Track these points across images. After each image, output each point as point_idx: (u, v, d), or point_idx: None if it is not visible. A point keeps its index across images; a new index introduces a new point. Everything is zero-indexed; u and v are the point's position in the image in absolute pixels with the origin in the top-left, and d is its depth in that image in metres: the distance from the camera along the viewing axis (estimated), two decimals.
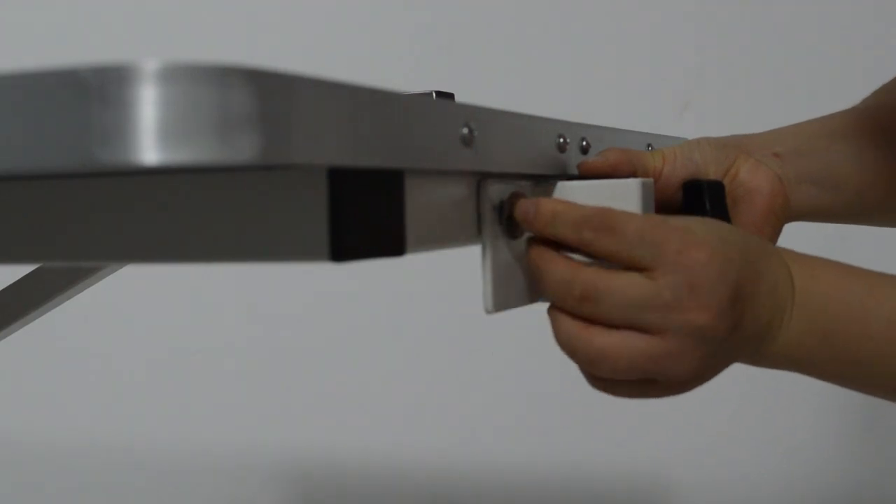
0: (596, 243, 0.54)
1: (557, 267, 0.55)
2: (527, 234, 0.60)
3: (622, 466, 1.47)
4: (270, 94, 0.36)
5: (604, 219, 0.54)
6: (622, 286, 0.53)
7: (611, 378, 0.56)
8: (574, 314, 0.55)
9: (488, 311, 0.58)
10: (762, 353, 0.57)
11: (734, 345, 0.55)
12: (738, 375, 1.41)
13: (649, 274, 0.53)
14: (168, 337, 1.62)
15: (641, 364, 0.54)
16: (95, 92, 0.34)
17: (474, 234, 0.57)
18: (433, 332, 1.52)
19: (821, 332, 0.56)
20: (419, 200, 0.51)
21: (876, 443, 1.41)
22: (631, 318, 0.53)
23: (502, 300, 0.59)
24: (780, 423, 1.43)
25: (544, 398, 1.49)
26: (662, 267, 0.53)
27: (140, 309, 1.62)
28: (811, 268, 0.57)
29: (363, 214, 0.45)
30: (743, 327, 0.54)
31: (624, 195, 0.60)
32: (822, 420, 1.42)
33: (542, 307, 0.65)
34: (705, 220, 0.57)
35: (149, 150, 0.34)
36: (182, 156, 0.34)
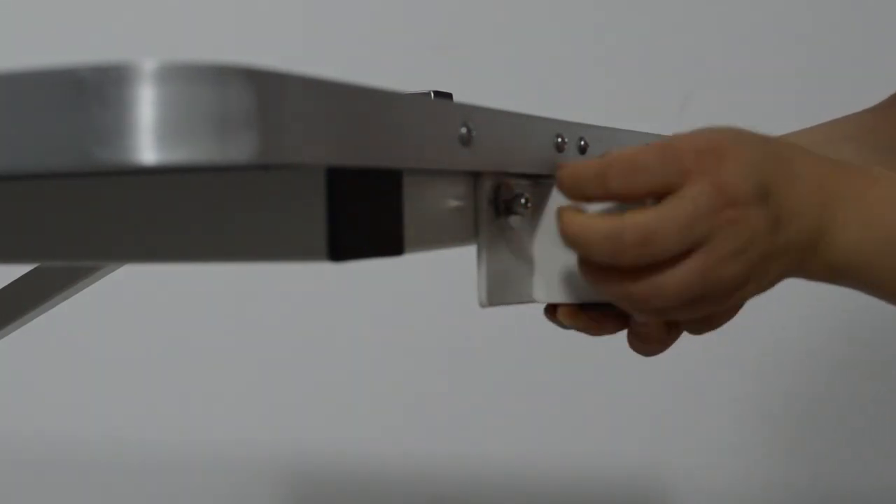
0: (625, 189, 0.54)
1: (599, 225, 0.55)
2: (526, 226, 0.61)
3: (622, 466, 1.48)
4: (268, 93, 0.36)
5: (623, 164, 0.54)
6: (666, 217, 0.53)
7: (667, 308, 0.56)
8: (630, 268, 0.54)
9: (482, 305, 0.59)
10: (819, 259, 0.56)
11: (782, 247, 0.55)
12: (739, 377, 1.41)
13: (679, 193, 0.53)
14: (168, 336, 1.62)
15: (697, 282, 0.54)
16: (94, 91, 0.34)
17: (473, 233, 0.57)
18: (433, 332, 1.52)
19: (882, 235, 0.56)
20: (417, 200, 0.51)
21: (876, 441, 1.41)
22: (685, 241, 0.53)
23: (497, 294, 0.59)
24: (780, 423, 1.43)
25: (544, 398, 1.49)
26: (689, 180, 0.53)
27: (139, 309, 1.62)
28: (863, 171, 0.57)
29: (361, 214, 0.45)
30: (785, 227, 0.55)
31: None
32: (823, 419, 1.42)
33: (539, 307, 0.65)
34: (718, 127, 0.57)
35: (147, 150, 0.34)
36: (180, 155, 0.34)
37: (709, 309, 0.57)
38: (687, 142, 0.54)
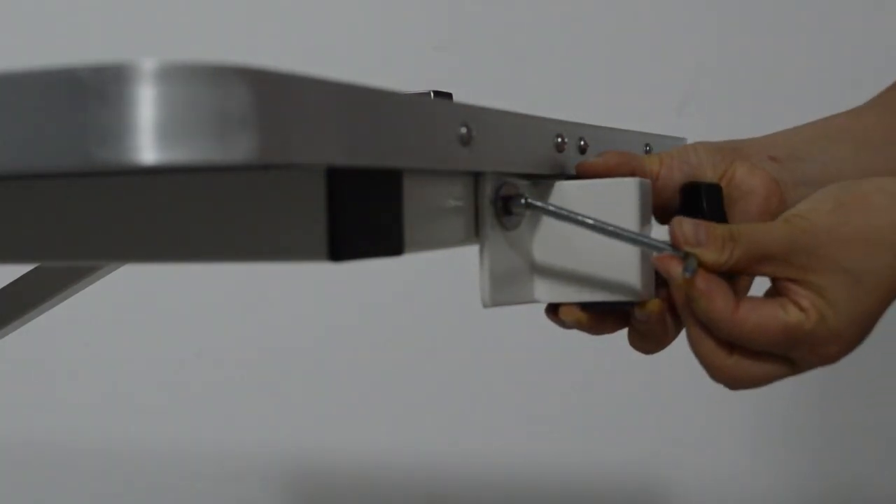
0: (745, 270, 0.58)
1: (717, 307, 0.57)
2: (526, 226, 0.61)
3: (623, 466, 1.48)
4: (268, 93, 0.36)
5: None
6: (773, 324, 0.57)
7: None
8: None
9: (485, 305, 0.59)
10: None
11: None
12: None
13: (801, 301, 0.57)
14: (167, 336, 1.62)
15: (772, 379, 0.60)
16: (94, 91, 0.34)
17: (473, 233, 0.57)
18: (433, 332, 1.52)
19: None
20: (417, 200, 0.51)
21: (875, 440, 1.41)
22: (782, 350, 0.58)
23: (499, 295, 0.59)
24: (780, 422, 1.43)
25: (545, 398, 1.49)
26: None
27: (139, 309, 1.62)
28: None
29: (361, 214, 0.45)
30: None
31: (622, 194, 0.61)
32: (823, 419, 1.42)
33: (538, 307, 0.65)
34: (842, 291, 0.58)
35: (147, 150, 0.34)
36: (180, 155, 0.34)
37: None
38: (813, 329, 0.57)
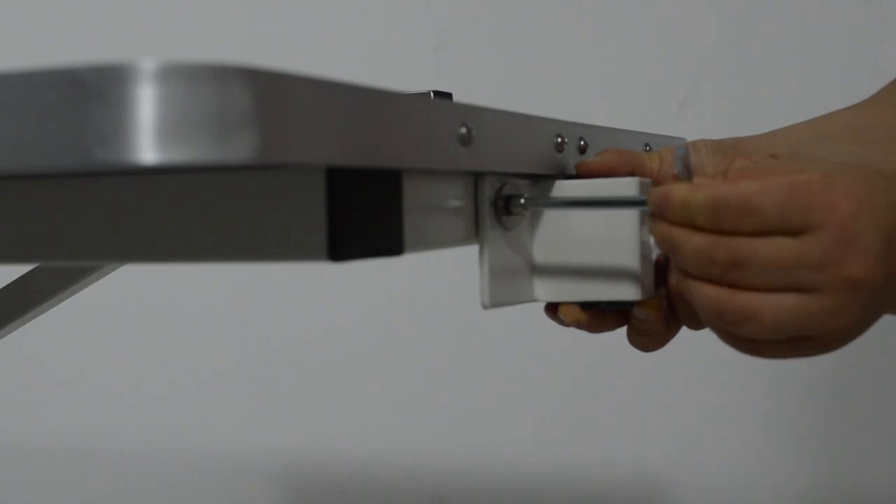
0: (738, 228, 0.53)
1: (695, 239, 0.54)
2: (526, 226, 0.61)
3: (627, 466, 1.48)
4: (268, 93, 0.36)
5: (737, 202, 0.52)
6: (769, 251, 0.52)
7: (759, 339, 0.55)
8: (718, 282, 0.54)
9: (485, 307, 0.59)
10: None
11: (890, 292, 0.54)
12: (740, 377, 1.41)
13: (798, 237, 0.52)
14: (167, 336, 1.62)
15: (798, 322, 0.53)
16: (94, 91, 0.34)
17: (472, 233, 0.57)
18: (433, 332, 1.52)
19: None
20: (417, 200, 0.51)
21: (883, 440, 1.41)
22: (782, 280, 0.52)
23: (499, 295, 0.59)
24: (787, 422, 1.43)
25: (545, 398, 1.49)
26: (812, 228, 0.52)
27: (138, 309, 1.62)
28: None
29: (361, 214, 0.45)
30: None
31: (621, 194, 0.61)
32: (830, 420, 1.42)
33: (538, 306, 0.65)
34: (844, 164, 0.55)
35: (147, 150, 0.34)
36: (180, 155, 0.34)
37: (804, 353, 0.56)
38: (820, 187, 0.52)
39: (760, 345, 0.57)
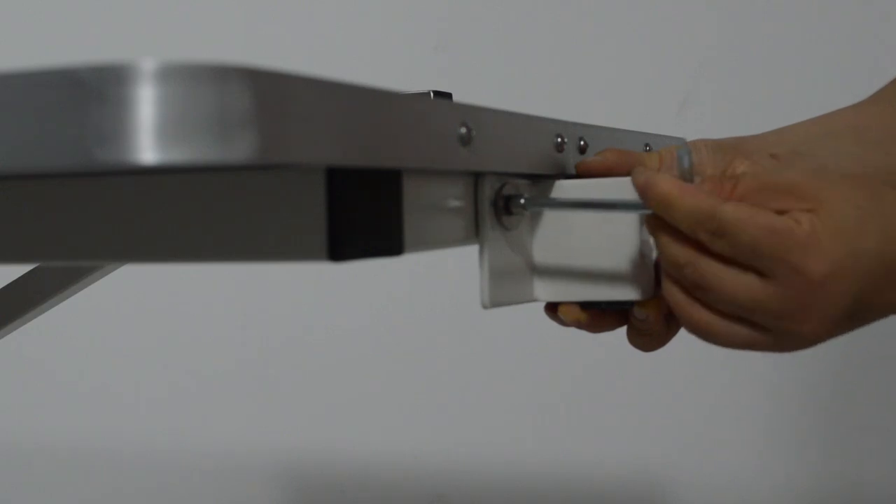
0: (709, 245, 0.53)
1: (673, 248, 0.55)
2: (525, 226, 0.61)
3: (628, 466, 1.48)
4: (268, 93, 0.36)
5: (717, 224, 0.53)
6: (733, 287, 0.53)
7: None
8: (685, 291, 0.56)
9: (485, 307, 0.59)
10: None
11: (853, 327, 0.55)
12: (740, 377, 1.41)
13: (763, 279, 0.52)
14: (167, 336, 1.62)
15: (750, 348, 0.55)
16: (94, 91, 0.34)
17: (472, 233, 0.57)
18: (433, 332, 1.52)
19: None
20: (417, 200, 0.51)
21: (883, 441, 1.41)
22: (737, 313, 0.54)
23: (499, 295, 0.59)
24: (787, 423, 1.43)
25: (545, 398, 1.49)
26: (776, 279, 0.52)
27: (138, 309, 1.62)
28: None
29: (361, 214, 0.45)
30: (865, 320, 0.54)
31: (621, 194, 0.60)
32: (830, 421, 1.42)
33: (538, 306, 0.65)
34: (842, 212, 0.53)
35: (147, 150, 0.34)
36: (180, 155, 0.34)
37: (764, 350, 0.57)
38: (796, 244, 0.52)
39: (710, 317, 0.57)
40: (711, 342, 0.56)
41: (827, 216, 0.53)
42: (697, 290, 0.55)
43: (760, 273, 0.53)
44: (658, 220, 0.56)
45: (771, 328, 0.54)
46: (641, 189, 0.56)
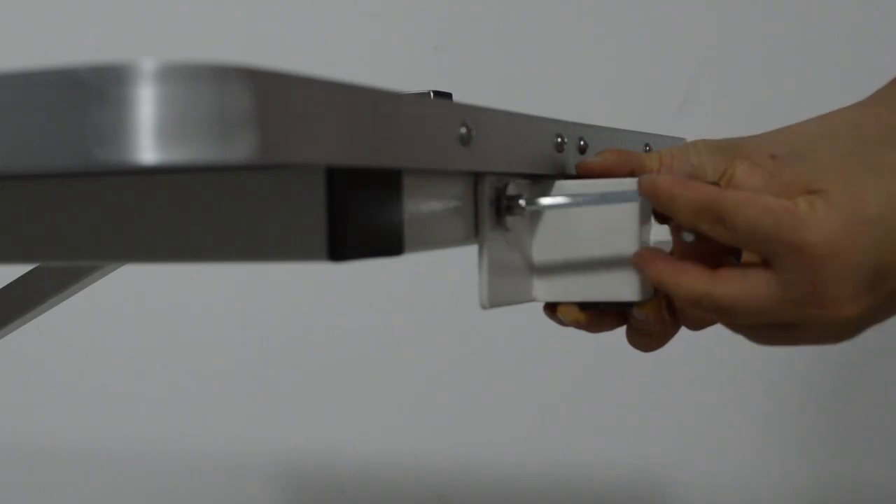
0: (711, 233, 0.54)
1: (684, 286, 0.55)
2: (525, 226, 0.61)
3: (626, 466, 1.48)
4: (268, 93, 0.36)
5: (714, 210, 0.53)
6: (744, 299, 0.53)
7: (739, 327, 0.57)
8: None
9: (484, 307, 0.59)
10: None
11: (887, 309, 0.53)
12: (740, 377, 1.41)
13: (768, 272, 0.52)
14: (167, 336, 1.62)
15: (787, 344, 0.55)
16: (94, 91, 0.34)
17: (472, 233, 0.57)
18: (433, 332, 1.52)
19: None
20: (417, 200, 0.51)
21: (883, 441, 1.41)
22: (761, 322, 0.54)
23: (498, 295, 0.59)
24: (786, 423, 1.43)
25: (545, 398, 1.49)
26: (780, 266, 0.52)
27: (138, 309, 1.62)
28: None
29: (361, 214, 0.45)
30: (894, 292, 0.52)
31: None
32: (830, 420, 1.42)
33: (537, 306, 0.65)
34: (839, 188, 0.53)
35: (147, 150, 0.34)
36: (180, 155, 0.34)
37: (797, 341, 0.56)
38: (791, 220, 0.51)
39: (745, 330, 0.57)
40: (736, 325, 0.56)
41: (825, 195, 0.53)
42: (723, 318, 0.55)
43: (765, 263, 0.53)
44: (663, 265, 0.57)
45: (798, 321, 0.53)
46: (648, 191, 0.56)
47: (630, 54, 1.45)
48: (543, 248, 0.63)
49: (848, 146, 0.71)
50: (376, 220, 0.46)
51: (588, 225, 0.62)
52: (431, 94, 0.57)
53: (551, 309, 0.64)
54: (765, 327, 0.55)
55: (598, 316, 0.63)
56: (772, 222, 0.52)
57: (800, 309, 0.52)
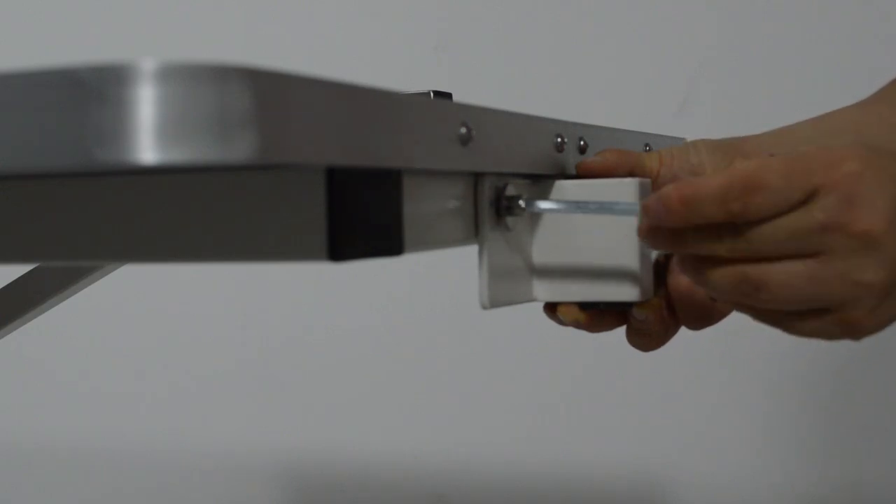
0: (747, 210, 0.51)
1: (718, 275, 0.53)
2: (525, 226, 0.61)
3: (626, 466, 1.48)
4: (268, 93, 0.36)
5: (745, 183, 0.51)
6: (786, 274, 0.51)
7: (779, 309, 0.54)
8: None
9: (484, 307, 0.59)
10: None
11: None
12: (740, 377, 1.41)
13: (805, 205, 0.51)
14: (167, 336, 1.62)
15: (808, 290, 0.52)
16: (94, 91, 0.34)
17: (472, 233, 0.57)
18: (433, 332, 1.52)
19: None
20: (417, 200, 0.51)
21: (883, 441, 1.41)
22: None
23: (498, 296, 0.59)
24: (786, 423, 1.43)
25: (545, 398, 1.49)
26: (815, 192, 0.51)
27: (138, 309, 1.62)
28: None
29: (361, 214, 0.45)
30: None
31: (621, 195, 0.61)
32: (830, 421, 1.42)
33: (537, 306, 0.65)
34: (848, 143, 0.53)
35: (147, 150, 0.34)
36: (180, 155, 0.34)
37: (834, 332, 0.54)
38: (819, 153, 0.51)
39: (784, 317, 0.55)
40: (769, 301, 0.54)
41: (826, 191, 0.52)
42: (767, 302, 0.52)
43: (800, 203, 0.51)
44: (692, 263, 0.55)
45: (824, 248, 0.51)
46: (659, 208, 0.54)
47: (630, 54, 1.45)
48: (544, 248, 0.63)
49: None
50: (376, 220, 0.46)
51: (588, 225, 0.62)
52: (431, 94, 0.57)
53: (551, 309, 0.64)
54: (794, 304, 0.52)
55: (598, 316, 0.63)
56: (802, 161, 0.51)
57: (828, 232, 0.51)
